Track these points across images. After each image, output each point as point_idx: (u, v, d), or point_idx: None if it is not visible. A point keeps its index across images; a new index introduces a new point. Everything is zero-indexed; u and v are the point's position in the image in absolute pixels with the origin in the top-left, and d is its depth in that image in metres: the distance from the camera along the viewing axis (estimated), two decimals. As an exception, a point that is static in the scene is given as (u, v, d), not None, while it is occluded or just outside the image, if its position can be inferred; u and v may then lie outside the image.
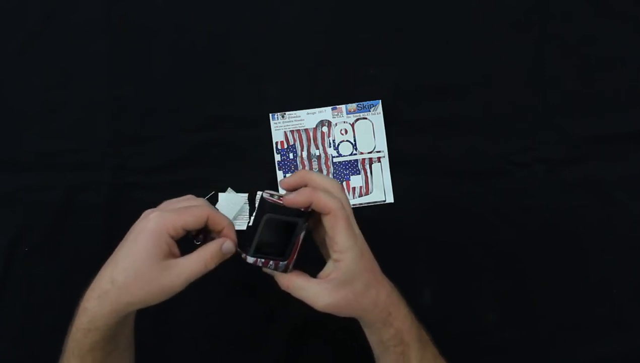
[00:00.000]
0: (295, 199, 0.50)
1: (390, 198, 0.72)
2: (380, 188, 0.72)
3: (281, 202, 0.50)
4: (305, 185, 0.52)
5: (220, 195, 0.71)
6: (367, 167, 0.72)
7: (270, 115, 0.72)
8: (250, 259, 0.53)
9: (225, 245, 0.53)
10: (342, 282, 0.50)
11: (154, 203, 0.71)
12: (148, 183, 0.72)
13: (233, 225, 0.55)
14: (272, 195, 0.51)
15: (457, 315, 0.70)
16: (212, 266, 0.52)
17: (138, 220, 0.53)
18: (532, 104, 0.71)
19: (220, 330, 0.71)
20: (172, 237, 0.51)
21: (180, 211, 0.52)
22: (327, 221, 0.50)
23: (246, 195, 0.71)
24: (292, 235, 0.52)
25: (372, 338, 0.55)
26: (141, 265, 0.50)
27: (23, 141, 0.72)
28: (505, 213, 0.70)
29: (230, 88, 0.72)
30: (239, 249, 0.54)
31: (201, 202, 0.56)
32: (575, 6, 0.71)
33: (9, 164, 0.72)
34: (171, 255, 0.51)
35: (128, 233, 0.53)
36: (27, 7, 0.73)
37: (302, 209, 0.51)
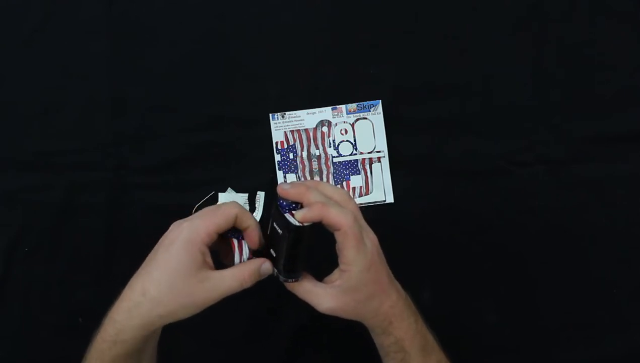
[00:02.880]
0: (305, 216, 0.50)
1: (390, 199, 0.72)
2: (380, 188, 0.72)
3: (292, 215, 0.50)
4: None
5: (220, 195, 0.71)
6: (367, 167, 0.72)
7: (270, 115, 0.72)
8: (267, 267, 0.52)
9: (264, 266, 0.52)
10: (346, 290, 0.51)
11: (154, 203, 0.72)
12: (148, 183, 0.72)
13: (258, 226, 0.53)
14: (284, 205, 0.51)
15: (457, 315, 0.70)
16: (248, 285, 0.51)
17: (168, 231, 0.51)
18: (532, 104, 0.71)
19: (220, 330, 0.71)
20: (207, 245, 0.50)
21: (209, 215, 0.51)
22: (337, 235, 0.50)
23: (246, 195, 0.71)
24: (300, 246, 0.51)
25: (376, 341, 0.56)
26: (175, 277, 0.48)
27: (23, 141, 0.72)
28: (505, 213, 0.70)
29: (230, 88, 0.72)
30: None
31: (228, 204, 0.54)
32: (575, 6, 0.71)
33: (9, 164, 0.72)
34: (206, 265, 0.50)
35: (158, 244, 0.51)
36: (28, 6, 0.73)
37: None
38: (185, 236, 0.49)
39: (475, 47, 0.72)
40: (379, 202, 0.72)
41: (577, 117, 0.71)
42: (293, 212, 0.51)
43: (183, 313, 0.49)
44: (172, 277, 0.49)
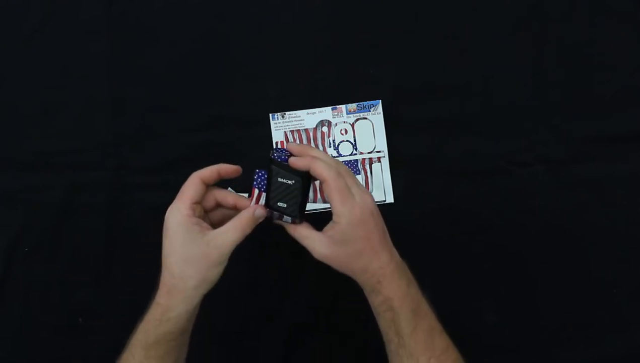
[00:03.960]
0: (296, 163, 0.57)
1: (390, 199, 0.72)
2: (380, 188, 0.72)
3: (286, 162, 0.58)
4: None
5: (220, 195, 0.71)
6: (367, 167, 0.72)
7: (270, 115, 0.72)
8: (260, 211, 0.58)
9: (257, 211, 0.58)
10: (337, 241, 0.56)
11: (154, 203, 0.71)
12: (148, 183, 0.72)
13: (223, 164, 0.60)
14: (279, 152, 0.58)
15: (457, 315, 0.70)
16: (248, 231, 0.57)
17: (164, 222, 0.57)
18: (532, 104, 0.71)
19: (220, 331, 0.71)
20: (193, 216, 0.56)
21: (181, 192, 0.58)
22: (324, 188, 0.56)
23: (246, 195, 0.71)
24: (292, 191, 0.59)
25: (369, 301, 0.58)
26: (185, 250, 0.55)
27: (23, 141, 0.73)
28: (505, 213, 0.70)
29: (230, 88, 0.72)
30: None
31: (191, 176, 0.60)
32: (575, 6, 0.71)
33: (9, 164, 0.72)
34: (205, 229, 0.56)
35: (162, 236, 0.57)
36: (28, 6, 0.73)
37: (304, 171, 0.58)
38: (173, 219, 0.56)
39: (475, 47, 0.72)
40: (379, 202, 0.72)
41: (577, 117, 0.71)
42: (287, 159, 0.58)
43: (211, 275, 0.55)
44: (183, 251, 0.55)
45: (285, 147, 0.60)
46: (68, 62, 0.73)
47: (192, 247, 0.55)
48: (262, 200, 0.59)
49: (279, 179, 0.58)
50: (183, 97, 0.72)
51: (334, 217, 0.56)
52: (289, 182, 0.58)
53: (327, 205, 0.59)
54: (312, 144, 0.73)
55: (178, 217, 0.56)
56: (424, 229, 0.71)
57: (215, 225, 0.59)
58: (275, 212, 0.59)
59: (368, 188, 0.72)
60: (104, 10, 0.73)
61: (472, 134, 0.71)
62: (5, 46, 0.73)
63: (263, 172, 0.59)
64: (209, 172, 0.59)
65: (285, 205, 0.58)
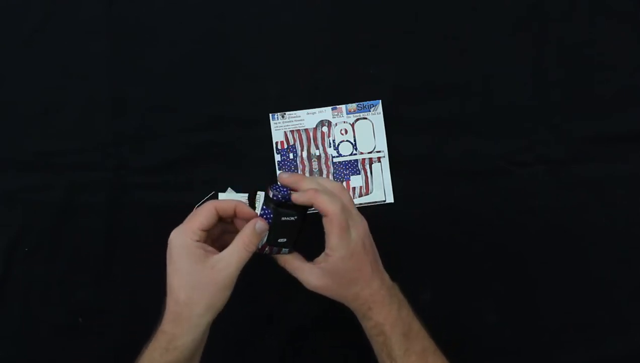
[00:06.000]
0: (299, 199, 0.57)
1: (390, 199, 0.72)
2: (380, 188, 0.72)
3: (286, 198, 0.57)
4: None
5: (220, 195, 0.71)
6: (367, 167, 0.72)
7: (270, 115, 0.72)
8: (261, 225, 0.57)
9: (257, 225, 0.56)
10: (328, 272, 0.56)
11: (154, 203, 0.72)
12: (148, 183, 0.72)
13: (241, 203, 0.58)
14: (279, 190, 0.57)
15: (457, 315, 0.70)
16: (252, 248, 0.55)
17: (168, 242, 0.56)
18: (532, 104, 0.71)
19: (220, 331, 0.71)
20: (199, 240, 0.54)
21: (192, 216, 0.56)
22: (324, 221, 0.56)
23: (246, 195, 0.71)
24: (292, 226, 0.58)
25: (361, 324, 0.59)
26: (190, 275, 0.53)
27: (23, 141, 0.72)
28: (505, 213, 0.70)
29: (230, 88, 0.72)
30: None
31: (207, 203, 0.58)
32: (575, 6, 0.71)
33: (9, 164, 0.72)
34: (209, 254, 0.54)
35: (167, 259, 0.56)
36: (28, 6, 0.73)
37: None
38: (177, 242, 0.54)
39: (475, 47, 0.72)
40: (379, 202, 0.72)
41: (577, 117, 0.71)
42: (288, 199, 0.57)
43: (217, 300, 0.54)
44: (188, 278, 0.54)
45: (278, 179, 0.60)
46: (68, 62, 0.73)
47: (198, 271, 0.53)
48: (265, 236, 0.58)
49: (282, 218, 0.57)
50: (183, 97, 0.72)
51: (326, 250, 0.56)
52: (291, 218, 0.58)
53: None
54: (312, 144, 0.73)
55: (181, 239, 0.54)
56: (424, 229, 0.71)
57: (214, 240, 0.58)
58: (275, 248, 0.58)
59: (368, 189, 0.72)
60: (104, 10, 0.73)
61: (472, 134, 0.71)
62: (5, 46, 0.73)
63: (269, 211, 0.58)
64: (226, 205, 0.57)
65: (285, 240, 0.58)
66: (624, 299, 0.70)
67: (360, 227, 0.57)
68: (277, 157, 0.72)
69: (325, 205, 0.55)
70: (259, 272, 0.70)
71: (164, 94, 0.73)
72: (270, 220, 0.57)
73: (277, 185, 0.59)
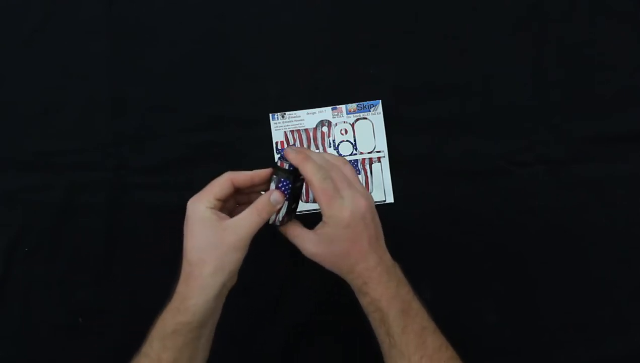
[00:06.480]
0: (289, 155, 0.58)
1: (390, 199, 0.72)
2: (380, 188, 0.72)
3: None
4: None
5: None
6: (367, 167, 0.72)
7: (270, 115, 0.72)
8: (276, 196, 0.58)
9: (273, 196, 0.57)
10: (324, 240, 0.57)
11: (154, 203, 0.72)
12: (148, 183, 0.72)
13: (257, 172, 0.59)
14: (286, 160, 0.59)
15: (457, 315, 0.70)
16: (265, 216, 0.57)
17: None
18: (532, 104, 0.71)
19: (219, 331, 0.71)
20: (213, 208, 0.56)
21: (208, 186, 0.58)
22: (311, 189, 0.57)
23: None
24: (299, 192, 0.61)
25: (359, 301, 0.59)
26: (202, 236, 0.55)
27: (23, 141, 0.73)
28: (505, 213, 0.70)
29: (230, 88, 0.72)
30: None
31: (223, 175, 0.60)
32: (575, 6, 0.71)
33: (9, 164, 0.72)
34: (222, 218, 0.56)
35: (184, 229, 0.57)
36: (28, 6, 0.73)
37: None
38: (192, 207, 0.56)
39: (475, 47, 0.72)
40: (379, 202, 0.72)
41: (577, 117, 0.71)
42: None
43: (227, 262, 0.55)
44: (199, 239, 0.55)
45: (284, 150, 0.61)
46: (68, 62, 0.73)
47: (209, 233, 0.55)
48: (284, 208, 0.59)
49: (297, 184, 0.60)
50: (183, 97, 0.72)
51: (323, 218, 0.57)
52: (298, 184, 0.60)
53: (317, 206, 0.59)
54: (312, 144, 0.73)
55: (196, 206, 0.56)
56: (424, 229, 0.71)
57: (230, 212, 0.59)
58: (285, 217, 0.59)
59: (368, 189, 0.72)
60: (104, 10, 0.73)
61: (472, 134, 0.71)
62: (5, 46, 0.73)
63: (286, 182, 0.59)
64: (243, 176, 0.59)
65: (295, 205, 0.60)
66: (624, 299, 0.70)
67: (361, 200, 0.57)
68: (277, 157, 0.72)
69: (307, 171, 0.56)
70: (259, 270, 0.71)
71: (164, 94, 0.73)
72: (287, 192, 0.58)
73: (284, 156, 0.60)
